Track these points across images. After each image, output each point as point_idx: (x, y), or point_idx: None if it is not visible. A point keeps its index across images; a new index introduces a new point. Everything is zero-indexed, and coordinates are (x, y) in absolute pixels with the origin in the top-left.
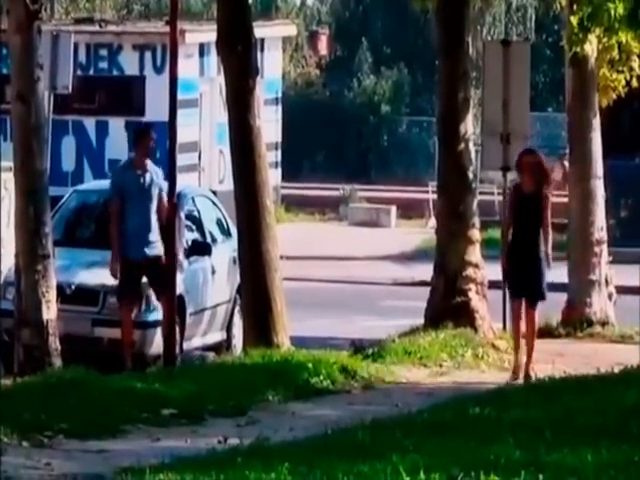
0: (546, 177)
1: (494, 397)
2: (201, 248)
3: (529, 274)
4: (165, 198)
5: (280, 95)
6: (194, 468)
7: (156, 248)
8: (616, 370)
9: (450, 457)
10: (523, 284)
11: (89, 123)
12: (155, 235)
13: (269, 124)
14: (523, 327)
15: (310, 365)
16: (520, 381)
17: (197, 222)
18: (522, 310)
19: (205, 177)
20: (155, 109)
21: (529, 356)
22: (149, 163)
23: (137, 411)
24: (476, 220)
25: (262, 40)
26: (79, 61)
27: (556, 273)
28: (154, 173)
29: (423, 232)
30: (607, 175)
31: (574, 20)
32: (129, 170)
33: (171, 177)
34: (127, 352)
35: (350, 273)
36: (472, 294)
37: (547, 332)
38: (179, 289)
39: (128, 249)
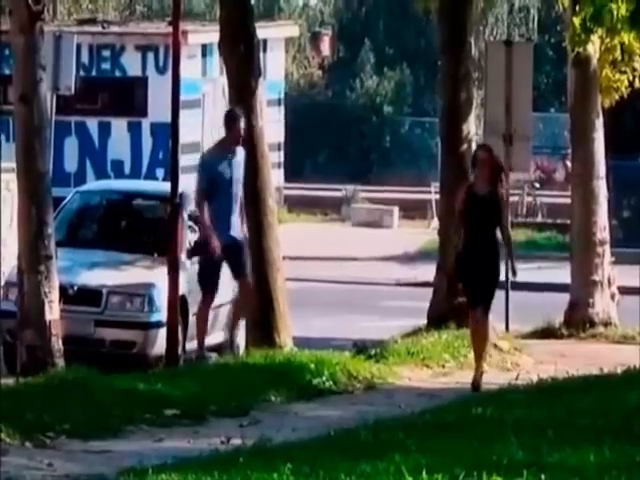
0: (501, 176)
1: (496, 397)
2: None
3: (485, 282)
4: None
5: (283, 96)
6: (197, 468)
7: (240, 231)
8: (619, 371)
9: (453, 457)
10: (480, 292)
11: (92, 124)
12: (238, 218)
13: (272, 125)
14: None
15: (313, 365)
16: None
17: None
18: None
19: None
20: (158, 110)
21: (479, 366)
22: (239, 148)
23: (140, 412)
24: None
25: (265, 41)
26: (82, 62)
27: (559, 274)
28: (240, 155)
29: (426, 232)
30: (609, 175)
31: (577, 21)
32: (219, 154)
33: (173, 178)
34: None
35: (352, 273)
36: None
37: (550, 333)
38: (181, 290)
39: (221, 233)
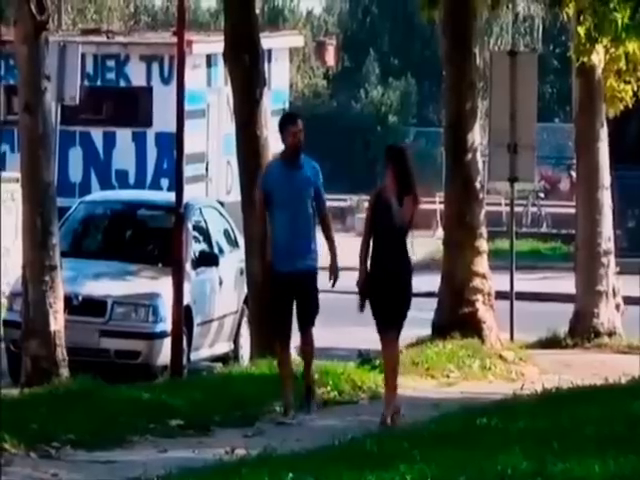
0: (411, 182)
1: (501, 407)
2: (208, 259)
3: (392, 301)
4: (324, 197)
5: (287, 106)
6: (201, 479)
7: (309, 260)
8: (623, 380)
9: (457, 467)
10: (387, 313)
11: (96, 134)
12: (309, 244)
13: (276, 135)
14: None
15: (317, 376)
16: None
17: (204, 233)
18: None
19: (212, 188)
20: (162, 120)
21: (389, 401)
22: (302, 157)
23: (144, 422)
24: (483, 231)
25: (269, 51)
26: (86, 72)
27: (563, 284)
28: (309, 169)
29: (430, 243)
30: (614, 185)
31: (581, 30)
32: (278, 167)
33: (178, 188)
34: (288, 396)
35: None
36: (479, 305)
37: (555, 343)
38: (186, 300)
39: (277, 260)
